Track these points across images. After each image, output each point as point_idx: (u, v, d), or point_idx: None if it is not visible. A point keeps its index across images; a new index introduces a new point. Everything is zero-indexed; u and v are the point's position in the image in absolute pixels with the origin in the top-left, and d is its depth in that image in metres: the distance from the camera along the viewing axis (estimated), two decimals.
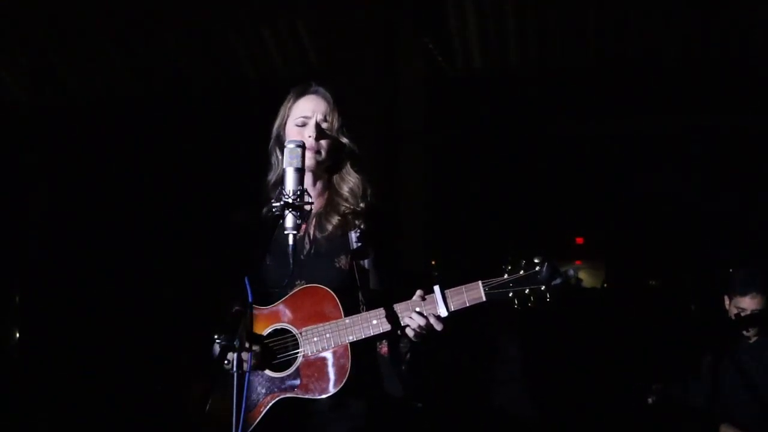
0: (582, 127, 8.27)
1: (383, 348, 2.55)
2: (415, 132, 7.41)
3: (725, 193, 9.14)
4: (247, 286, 2.16)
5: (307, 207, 2.27)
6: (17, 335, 7.47)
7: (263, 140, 2.74)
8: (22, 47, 8.00)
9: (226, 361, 2.14)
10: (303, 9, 7.34)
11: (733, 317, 4.02)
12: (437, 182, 8.01)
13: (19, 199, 8.31)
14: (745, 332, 4.01)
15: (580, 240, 12.71)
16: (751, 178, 8.60)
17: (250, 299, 2.16)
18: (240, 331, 2.12)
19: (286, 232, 2.24)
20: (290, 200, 2.23)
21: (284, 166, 2.30)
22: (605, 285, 11.05)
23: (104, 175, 8.17)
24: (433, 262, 8.11)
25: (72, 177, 8.30)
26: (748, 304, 3.97)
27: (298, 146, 2.31)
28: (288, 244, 2.25)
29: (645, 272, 10.41)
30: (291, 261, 2.27)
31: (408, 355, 2.51)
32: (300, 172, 2.29)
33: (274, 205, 2.25)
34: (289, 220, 2.24)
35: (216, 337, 2.09)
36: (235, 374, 2.12)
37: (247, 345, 2.14)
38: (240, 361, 2.13)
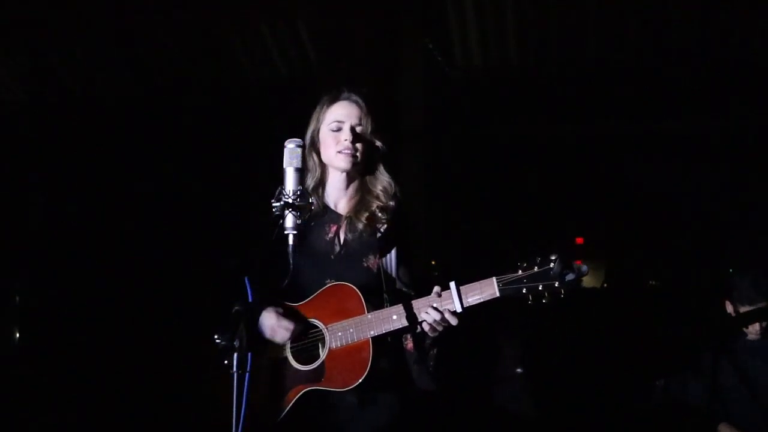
0: (582, 127, 8.27)
1: (409, 344, 2.64)
2: (415, 132, 7.41)
3: (725, 193, 9.15)
4: (248, 287, 2.17)
5: (345, 206, 2.31)
6: (17, 335, 7.48)
7: (262, 140, 2.75)
8: (22, 47, 8.00)
9: (225, 361, 2.15)
10: (303, 9, 7.34)
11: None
12: (437, 182, 8.02)
13: (19, 199, 8.31)
14: (745, 329, 4.00)
15: (580, 240, 12.72)
16: (752, 178, 8.60)
17: (250, 300, 2.17)
18: (240, 331, 2.13)
19: (286, 232, 2.26)
20: (290, 200, 2.25)
21: (284, 166, 2.32)
22: (605, 285, 11.05)
23: (104, 175, 8.17)
24: (432, 262, 8.11)
25: (72, 177, 8.30)
26: None
27: (298, 146, 2.34)
28: (322, 244, 2.33)
29: (645, 272, 10.41)
30: (291, 261, 2.29)
31: (434, 351, 2.61)
32: (300, 172, 2.31)
33: (274, 205, 2.27)
34: (290, 220, 2.26)
35: (216, 337, 2.11)
36: (235, 374, 2.13)
37: (247, 345, 2.15)
38: (241, 361, 2.14)
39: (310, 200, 2.35)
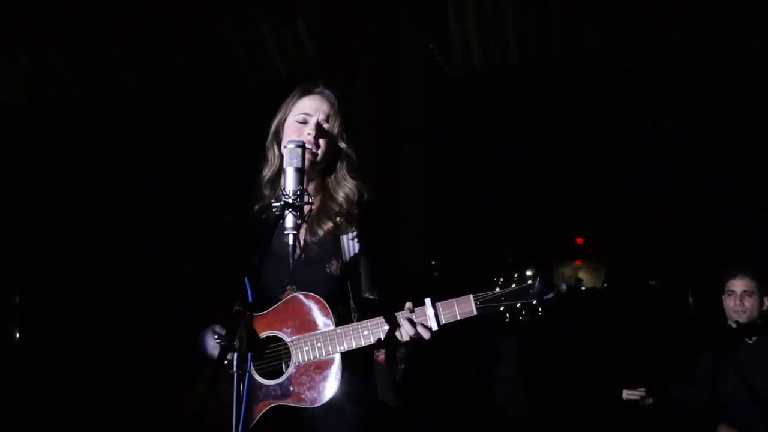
0: (582, 127, 8.28)
1: (380, 356, 2.54)
2: (415, 132, 7.42)
3: (725, 193, 9.15)
4: (248, 287, 2.15)
5: (307, 207, 2.26)
6: (17, 335, 7.48)
7: (263, 140, 2.72)
8: (22, 47, 8.00)
9: (225, 361, 2.14)
10: (303, 9, 7.34)
11: (731, 315, 4.01)
12: (438, 181, 8.02)
13: (19, 199, 8.32)
14: (749, 340, 4.00)
15: (580, 240, 12.74)
16: (752, 178, 8.61)
17: (250, 300, 2.15)
18: (240, 331, 2.11)
19: (286, 233, 2.23)
20: (290, 200, 2.23)
21: (284, 166, 2.28)
22: (605, 285, 11.07)
23: (104, 175, 8.17)
24: (432, 262, 8.12)
25: (72, 177, 8.31)
26: (738, 286, 3.99)
27: (299, 146, 2.29)
28: (283, 246, 2.24)
29: (645, 272, 10.42)
30: (291, 261, 2.27)
31: (403, 365, 2.52)
32: (300, 172, 2.26)
33: (274, 205, 2.24)
34: (289, 220, 2.22)
35: (216, 337, 2.09)
36: (236, 374, 2.11)
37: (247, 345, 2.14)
38: (241, 361, 2.12)
39: (310, 200, 2.31)
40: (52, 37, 7.81)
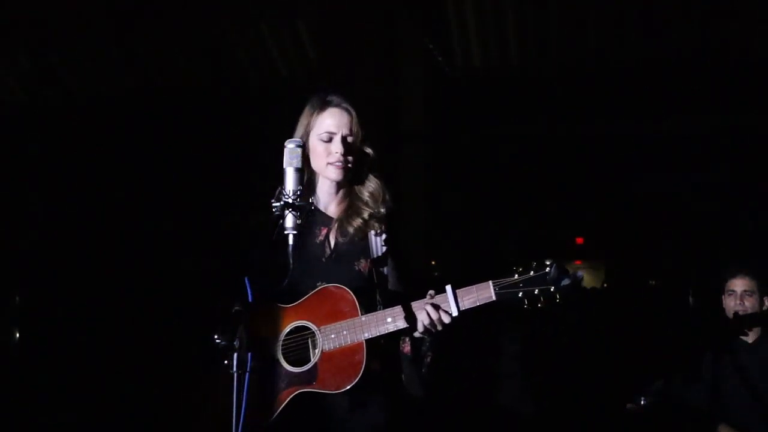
0: (582, 127, 8.28)
1: (406, 347, 2.61)
2: (415, 132, 7.42)
3: (725, 193, 9.16)
4: (248, 287, 2.17)
5: (335, 210, 2.31)
6: (17, 335, 7.48)
7: (263, 140, 2.74)
8: (23, 47, 8.01)
9: (225, 361, 2.16)
10: (303, 9, 7.35)
11: (731, 314, 4.02)
12: (438, 181, 8.02)
13: (18, 199, 8.32)
14: (743, 335, 4.00)
15: (580, 240, 12.74)
16: (752, 178, 8.61)
17: (250, 300, 2.17)
18: (240, 331, 2.13)
19: (285, 232, 2.26)
20: (290, 200, 2.26)
21: (284, 166, 2.33)
22: (605, 285, 11.07)
23: (104, 175, 8.18)
24: (432, 262, 8.12)
25: (72, 177, 8.31)
26: (738, 285, 4.00)
27: (298, 146, 2.34)
28: (314, 246, 2.32)
29: (645, 272, 10.43)
30: (290, 261, 2.29)
31: (429, 357, 2.59)
32: (300, 172, 2.31)
33: (274, 205, 2.27)
34: (290, 219, 2.27)
35: (215, 337, 2.11)
36: (235, 374, 2.14)
37: (247, 345, 2.16)
38: (240, 360, 2.14)
39: (310, 200, 2.34)
40: (52, 37, 7.82)
